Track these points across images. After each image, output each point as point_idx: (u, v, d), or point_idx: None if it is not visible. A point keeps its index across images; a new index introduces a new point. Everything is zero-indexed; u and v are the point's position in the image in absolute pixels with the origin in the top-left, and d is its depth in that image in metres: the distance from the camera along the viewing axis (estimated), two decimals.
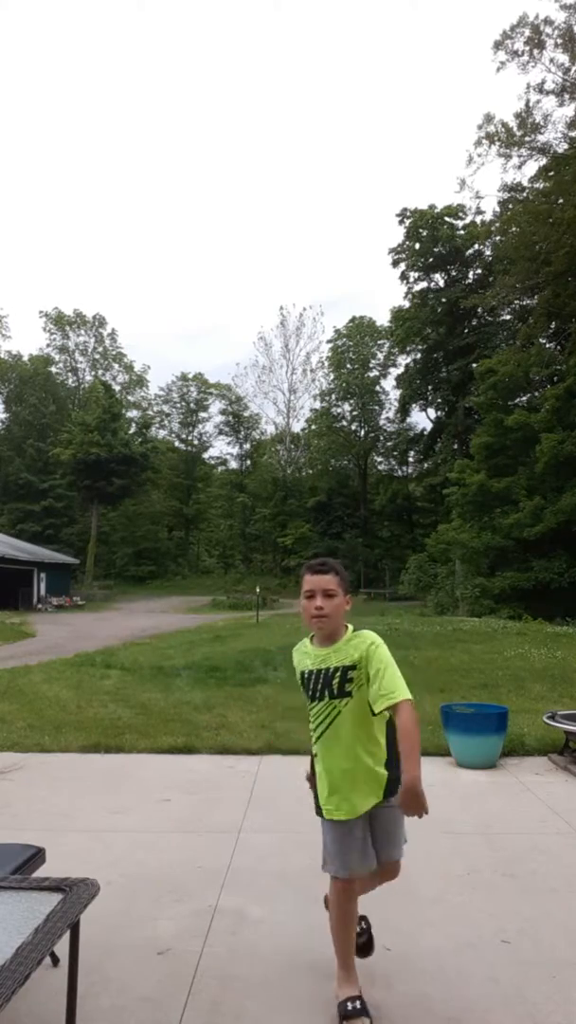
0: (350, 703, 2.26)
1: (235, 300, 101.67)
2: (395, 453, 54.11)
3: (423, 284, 42.71)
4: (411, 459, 53.08)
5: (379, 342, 52.48)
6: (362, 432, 54.29)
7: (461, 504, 29.66)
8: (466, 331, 40.23)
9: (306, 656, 2.38)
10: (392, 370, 50.89)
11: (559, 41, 26.49)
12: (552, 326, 30.22)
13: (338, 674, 2.26)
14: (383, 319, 51.06)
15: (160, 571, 52.43)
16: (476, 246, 39.82)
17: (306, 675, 2.34)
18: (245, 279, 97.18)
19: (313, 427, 55.81)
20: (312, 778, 2.46)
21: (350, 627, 2.35)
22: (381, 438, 54.58)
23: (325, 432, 53.69)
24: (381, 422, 53.97)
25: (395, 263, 43.02)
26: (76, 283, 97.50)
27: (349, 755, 2.29)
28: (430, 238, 40.79)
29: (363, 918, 2.56)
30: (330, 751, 2.32)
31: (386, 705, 2.15)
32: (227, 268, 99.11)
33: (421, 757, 2.14)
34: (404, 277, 42.85)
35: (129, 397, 60.51)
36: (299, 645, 2.45)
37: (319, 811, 2.37)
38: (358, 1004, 2.23)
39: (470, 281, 40.18)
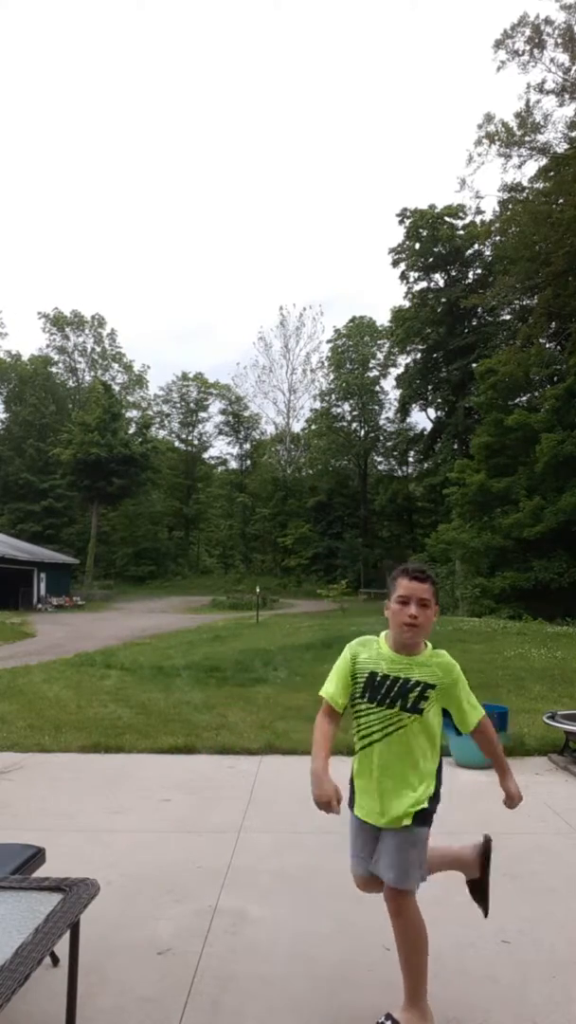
0: (417, 721, 2.24)
1: (234, 300, 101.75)
2: (395, 453, 54.12)
3: (423, 284, 42.76)
4: (411, 459, 53.10)
5: (379, 342, 52.49)
6: (362, 432, 54.30)
7: (461, 504, 29.66)
8: (466, 331, 40.22)
9: (380, 656, 2.30)
10: (392, 370, 50.96)
11: (559, 41, 26.49)
12: (552, 326, 30.21)
13: (417, 689, 2.23)
14: (383, 319, 51.16)
15: (160, 571, 52.44)
16: (476, 246, 39.82)
17: (378, 677, 2.26)
18: (244, 279, 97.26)
19: (313, 427, 55.83)
20: (323, 789, 2.22)
21: (428, 643, 2.34)
22: (381, 438, 54.59)
23: (325, 432, 53.70)
24: (381, 422, 54.02)
25: (395, 263, 43.06)
26: (75, 283, 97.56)
27: (399, 767, 2.26)
28: (430, 238, 40.80)
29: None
30: (379, 761, 2.27)
31: (474, 726, 2.32)
32: (225, 268, 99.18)
33: None
34: (404, 277, 42.90)
35: (129, 397, 60.53)
36: (365, 639, 2.37)
37: (351, 805, 2.37)
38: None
39: (470, 281, 40.18)
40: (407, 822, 2.23)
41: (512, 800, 2.42)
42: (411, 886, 2.23)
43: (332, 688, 2.34)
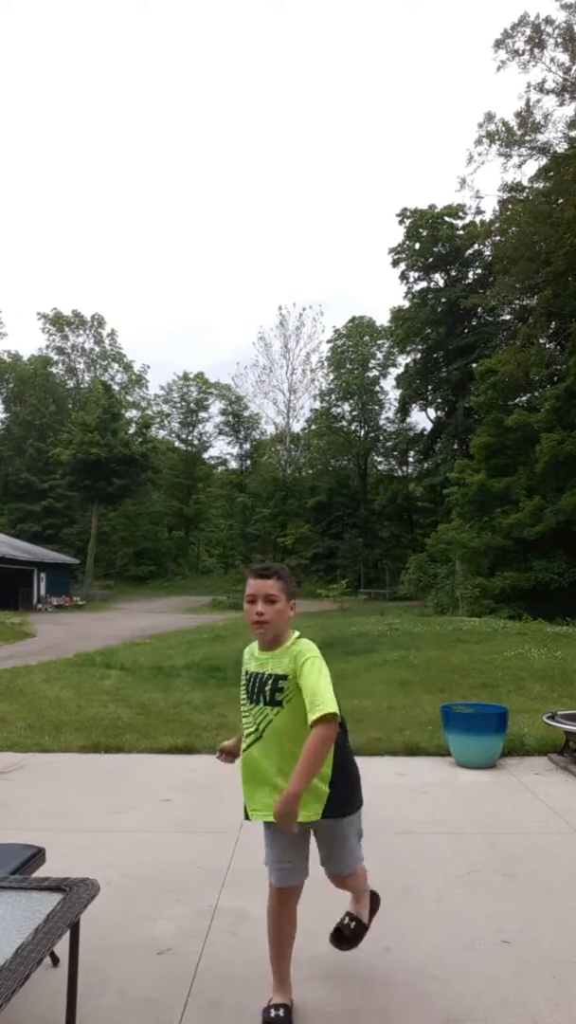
0: (281, 713, 2.23)
1: (234, 300, 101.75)
2: (395, 453, 54.11)
3: (423, 284, 42.72)
4: (411, 459, 53.08)
5: (379, 342, 52.49)
6: (362, 432, 54.28)
7: (461, 504, 29.65)
8: (466, 331, 40.21)
9: (252, 656, 2.37)
10: (392, 370, 50.92)
11: (559, 40, 26.48)
12: (552, 326, 30.19)
13: (271, 681, 2.24)
14: (382, 319, 51.14)
15: (160, 571, 52.44)
16: (476, 246, 39.79)
17: (247, 676, 2.35)
18: (243, 279, 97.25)
19: (313, 427, 55.82)
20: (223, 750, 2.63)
21: (295, 634, 2.32)
22: (381, 438, 54.58)
23: (325, 432, 53.69)
24: (381, 422, 53.99)
25: (395, 263, 43.03)
26: (74, 283, 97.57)
27: (279, 761, 2.23)
28: (430, 238, 40.77)
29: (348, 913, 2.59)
30: (259, 757, 2.28)
31: (313, 718, 2.07)
32: (225, 268, 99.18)
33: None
34: (404, 277, 42.86)
35: (128, 397, 60.55)
36: (250, 645, 2.44)
37: (246, 815, 2.36)
38: (281, 1012, 2.25)
39: (470, 281, 40.16)
40: (323, 808, 2.23)
41: (280, 804, 2.06)
42: (355, 868, 2.39)
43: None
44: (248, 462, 62.76)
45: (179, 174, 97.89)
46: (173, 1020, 2.29)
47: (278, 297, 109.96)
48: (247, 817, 2.35)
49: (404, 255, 42.33)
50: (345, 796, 2.30)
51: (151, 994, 2.43)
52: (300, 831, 2.20)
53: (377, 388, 52.88)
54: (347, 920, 2.54)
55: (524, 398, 29.91)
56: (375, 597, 40.01)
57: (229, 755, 2.60)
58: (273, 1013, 2.24)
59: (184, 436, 63.95)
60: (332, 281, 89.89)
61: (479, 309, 37.33)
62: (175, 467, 59.91)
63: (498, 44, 27.34)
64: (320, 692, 2.12)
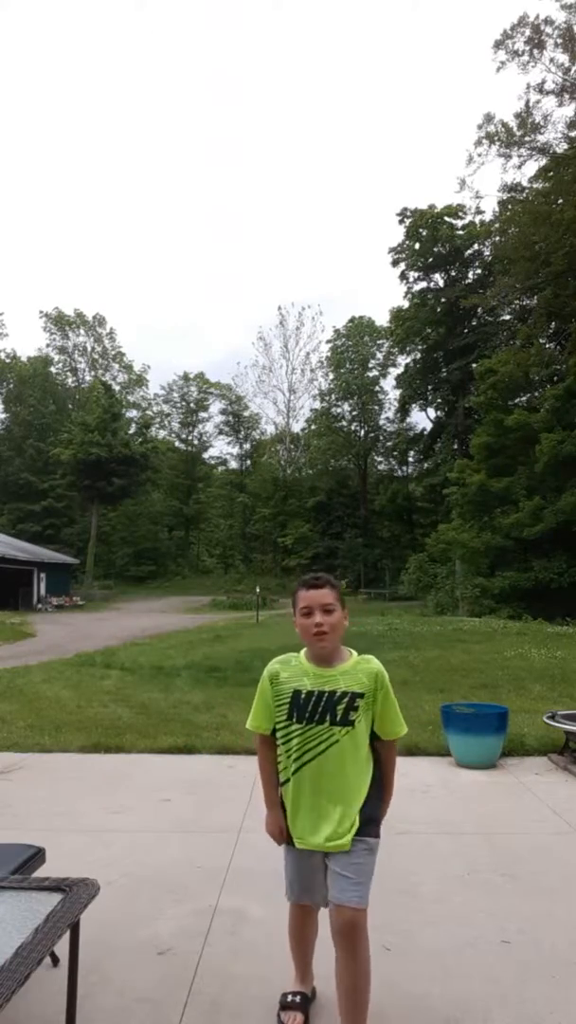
0: (350, 733, 2.13)
1: (233, 300, 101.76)
2: (395, 453, 54.15)
3: (423, 284, 42.77)
4: (411, 459, 53.14)
5: (378, 342, 52.53)
6: (362, 432, 54.33)
7: (461, 504, 29.66)
8: (466, 331, 40.22)
9: (302, 674, 2.18)
10: (392, 370, 51.00)
11: (559, 41, 26.48)
12: (552, 326, 30.20)
13: (345, 700, 2.12)
14: (382, 319, 51.18)
15: (160, 571, 52.45)
16: (476, 246, 39.84)
17: (302, 695, 2.15)
18: (243, 279, 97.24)
19: (313, 427, 55.87)
20: (282, 830, 2.26)
21: (351, 650, 2.24)
22: (381, 438, 54.62)
23: (325, 432, 53.73)
24: (381, 422, 54.07)
25: (395, 263, 43.07)
26: (73, 283, 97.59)
27: (336, 786, 2.14)
28: (430, 238, 40.80)
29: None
30: (315, 780, 2.15)
31: (394, 736, 2.22)
32: (225, 268, 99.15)
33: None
34: (404, 277, 42.92)
35: (129, 397, 60.56)
36: (285, 658, 2.25)
37: (291, 841, 2.23)
38: (297, 999, 2.29)
39: (470, 281, 40.17)
40: (355, 835, 2.14)
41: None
42: (367, 903, 2.13)
43: (257, 719, 2.28)
44: (248, 462, 62.80)
45: (179, 174, 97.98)
46: (173, 1020, 2.29)
47: (278, 297, 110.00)
48: (291, 843, 2.23)
49: (404, 255, 42.37)
50: (376, 815, 2.22)
51: (151, 994, 2.42)
52: (319, 859, 2.18)
53: (377, 388, 52.97)
54: None
55: (524, 398, 29.92)
56: (375, 597, 40.00)
57: (283, 832, 2.29)
58: (290, 998, 2.28)
59: (184, 436, 64.00)
60: (332, 281, 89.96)
61: (479, 309, 37.33)
62: (175, 467, 59.93)
63: (498, 45, 27.37)
64: (398, 712, 2.25)
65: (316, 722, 2.13)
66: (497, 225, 31.79)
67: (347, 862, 2.12)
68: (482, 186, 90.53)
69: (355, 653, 2.22)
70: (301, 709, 2.14)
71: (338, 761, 2.13)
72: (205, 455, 65.18)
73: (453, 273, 41.68)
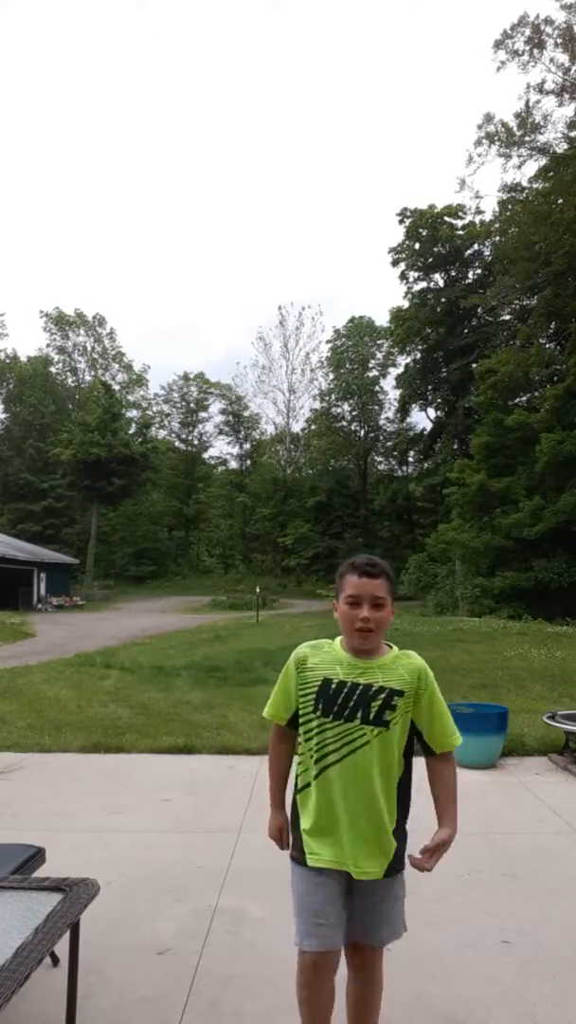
0: (384, 736, 1.85)
1: (233, 300, 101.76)
2: (395, 453, 54.14)
3: (423, 284, 42.74)
4: (411, 459, 53.13)
5: (378, 342, 52.53)
6: (362, 432, 54.33)
7: (461, 504, 29.66)
8: (466, 331, 40.22)
9: (334, 661, 1.92)
10: (392, 370, 50.98)
11: (559, 41, 26.47)
12: (552, 326, 30.20)
13: (382, 696, 1.85)
14: (382, 319, 51.18)
15: (160, 571, 52.45)
16: (476, 246, 39.83)
17: (333, 684, 1.88)
18: (243, 279, 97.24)
19: (313, 427, 55.86)
20: (283, 831, 2.07)
21: (390, 644, 2.00)
22: (381, 438, 54.63)
23: (325, 432, 53.74)
24: (381, 422, 54.08)
25: (395, 263, 43.06)
26: (73, 283, 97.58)
27: (364, 797, 1.85)
28: (430, 238, 40.79)
29: None
30: (340, 785, 1.86)
31: (449, 748, 1.96)
32: (225, 268, 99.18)
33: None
34: (404, 277, 42.89)
35: (129, 397, 60.57)
36: (316, 643, 2.01)
37: (300, 858, 1.91)
38: None
39: (470, 281, 40.16)
40: (388, 865, 1.88)
41: (431, 854, 1.91)
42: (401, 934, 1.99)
43: (275, 706, 2.04)
44: (248, 462, 62.80)
45: (178, 174, 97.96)
46: (173, 1020, 2.29)
47: (278, 297, 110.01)
48: (305, 864, 1.89)
49: (404, 255, 42.35)
50: (403, 847, 1.94)
51: (151, 994, 2.42)
52: (341, 886, 1.88)
53: (377, 388, 52.97)
54: None
55: (524, 398, 29.92)
56: None
57: (284, 836, 2.08)
58: None
59: (184, 436, 64.01)
60: (332, 281, 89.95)
61: (479, 309, 37.32)
62: (175, 467, 59.93)
63: (498, 45, 27.35)
64: (450, 718, 1.96)
65: (346, 718, 1.86)
66: (497, 225, 31.79)
67: (382, 896, 1.89)
68: (482, 186, 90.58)
69: (395, 647, 1.98)
70: (330, 701, 1.88)
71: (367, 767, 1.85)
72: (205, 455, 65.22)
73: (453, 273, 41.67)
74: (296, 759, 2.01)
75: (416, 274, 42.50)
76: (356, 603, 1.87)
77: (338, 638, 1.98)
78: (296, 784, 1.97)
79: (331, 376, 54.42)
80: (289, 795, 2.08)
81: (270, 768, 2.11)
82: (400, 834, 1.91)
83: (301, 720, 1.95)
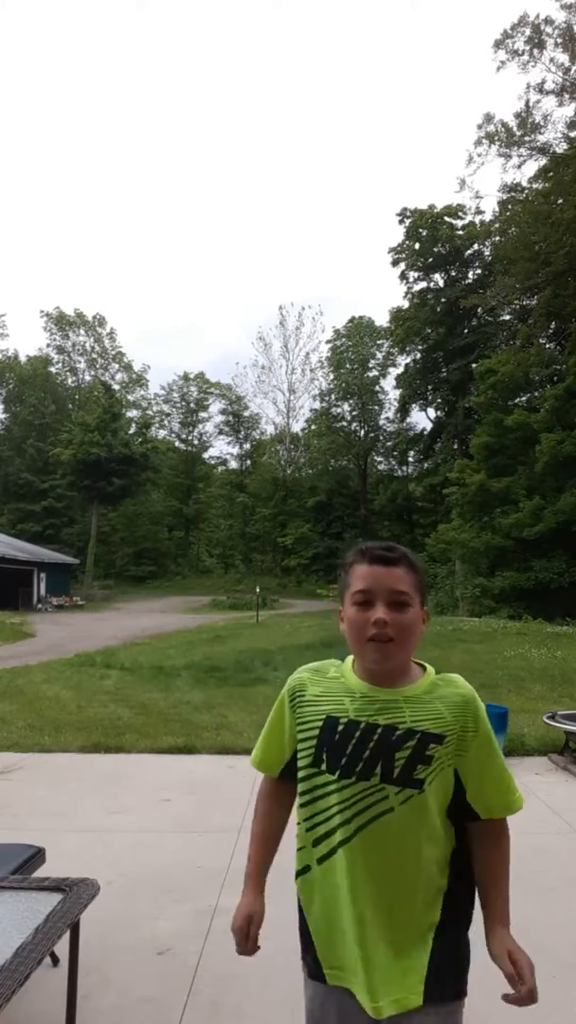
0: (415, 802, 1.27)
1: (233, 300, 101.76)
2: (395, 453, 54.16)
3: (423, 284, 42.78)
4: (411, 459, 53.15)
5: (378, 342, 52.57)
6: (362, 432, 54.36)
7: (461, 504, 29.67)
8: (466, 331, 40.24)
9: (342, 691, 1.36)
10: (392, 370, 51.04)
11: (559, 41, 26.48)
12: (552, 326, 30.21)
13: (411, 743, 1.27)
14: (382, 319, 51.24)
15: (160, 571, 52.47)
16: (476, 246, 39.86)
17: (339, 726, 1.32)
18: (243, 279, 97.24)
19: (313, 427, 55.91)
20: (251, 922, 1.56)
21: (424, 664, 1.41)
22: (381, 438, 54.66)
23: (325, 432, 53.79)
24: (381, 422, 54.13)
25: (395, 263, 43.09)
26: (72, 283, 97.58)
27: (388, 890, 1.28)
28: (430, 238, 40.82)
29: None
30: (351, 874, 1.29)
31: (504, 813, 1.35)
32: (225, 268, 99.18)
33: None
34: (404, 277, 42.92)
35: (129, 396, 60.60)
36: (319, 666, 1.46)
37: (317, 972, 1.38)
38: None
39: (470, 281, 40.19)
40: (430, 983, 1.27)
41: (519, 977, 1.29)
42: None
43: (264, 751, 1.51)
44: (248, 462, 62.83)
45: (179, 173, 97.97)
46: (173, 1020, 2.29)
47: (278, 297, 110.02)
48: (324, 981, 1.36)
49: (404, 255, 42.39)
50: (464, 957, 1.34)
51: (151, 994, 2.42)
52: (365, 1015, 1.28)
53: (377, 388, 53.00)
54: None
55: (524, 398, 29.94)
56: None
57: (251, 931, 1.56)
58: None
59: (184, 436, 64.02)
60: (332, 281, 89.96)
61: (479, 309, 37.34)
62: (175, 467, 59.94)
63: (498, 44, 27.36)
64: (508, 773, 1.37)
65: (359, 775, 1.28)
66: (497, 225, 31.79)
67: None
68: (482, 186, 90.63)
69: (430, 669, 1.40)
70: (336, 750, 1.31)
71: (393, 847, 1.27)
72: (205, 455, 65.23)
73: (453, 273, 41.69)
74: (296, 821, 1.43)
75: (416, 274, 42.53)
76: (367, 601, 1.30)
77: (349, 658, 1.43)
78: (296, 862, 1.41)
79: (331, 376, 54.49)
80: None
81: (252, 828, 1.54)
82: (452, 942, 1.31)
83: (299, 775, 1.40)
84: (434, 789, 1.29)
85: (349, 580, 1.36)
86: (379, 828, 1.28)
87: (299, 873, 1.42)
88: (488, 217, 36.00)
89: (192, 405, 63.58)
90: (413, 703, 1.32)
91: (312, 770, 1.36)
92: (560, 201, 26.50)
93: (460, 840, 1.36)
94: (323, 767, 1.33)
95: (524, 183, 30.03)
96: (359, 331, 53.10)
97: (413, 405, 46.77)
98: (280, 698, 1.48)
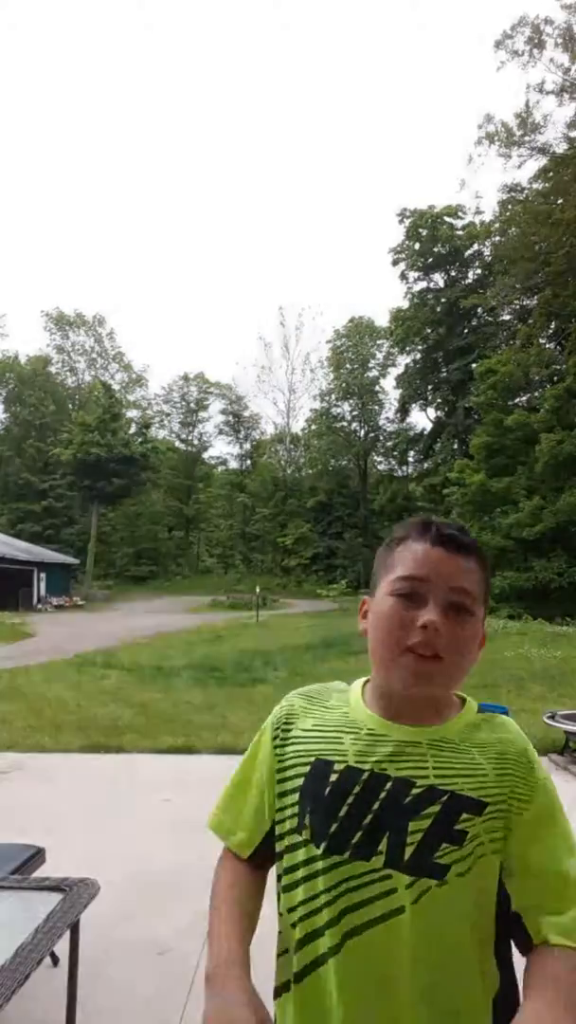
0: (433, 896, 0.85)
1: (232, 299, 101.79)
2: (395, 453, 54.18)
3: (423, 284, 42.80)
4: (411, 459, 53.15)
5: (378, 342, 52.61)
6: (362, 432, 54.41)
7: (461, 504, 29.70)
8: (466, 331, 40.27)
9: (346, 726, 0.97)
10: (392, 370, 51.06)
11: (559, 41, 26.50)
12: (552, 326, 30.22)
13: (435, 809, 0.87)
14: (382, 319, 51.27)
15: (160, 571, 52.50)
16: (476, 246, 39.88)
17: (331, 775, 0.93)
18: (243, 278, 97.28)
19: (313, 427, 55.96)
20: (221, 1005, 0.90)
21: (464, 698, 1.01)
22: (381, 438, 54.70)
23: (325, 432, 53.84)
24: (381, 422, 54.15)
25: (395, 263, 43.13)
26: (71, 283, 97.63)
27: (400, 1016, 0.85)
28: (430, 238, 40.85)
29: None
30: (349, 1005, 0.87)
31: (571, 942, 0.83)
32: (224, 267, 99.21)
33: None
34: (404, 277, 42.95)
35: (129, 397, 60.63)
36: (317, 690, 1.07)
37: None
38: None
39: (470, 281, 40.22)
40: None
41: None
42: None
43: (226, 812, 1.11)
44: (248, 462, 62.87)
45: (178, 173, 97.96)
46: (173, 1020, 2.29)
47: (278, 297, 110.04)
48: None
49: (404, 255, 42.41)
50: None
51: (151, 994, 2.42)
52: None
53: (377, 388, 53.04)
54: None
55: (524, 398, 29.97)
56: None
57: None
58: None
59: (184, 436, 64.05)
60: (332, 281, 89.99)
61: (479, 309, 37.37)
62: (175, 467, 59.98)
63: (498, 44, 27.38)
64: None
65: (354, 852, 0.88)
66: (497, 225, 31.81)
67: None
68: (482, 186, 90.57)
69: (471, 703, 1.00)
70: (324, 811, 0.91)
71: (407, 960, 0.84)
72: (205, 455, 65.27)
73: (453, 273, 41.71)
74: (281, 914, 0.99)
75: (416, 274, 42.55)
76: (416, 593, 0.90)
77: (358, 682, 1.04)
78: (276, 975, 1.00)
79: (331, 376, 54.53)
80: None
81: (212, 924, 1.01)
82: None
83: (277, 844, 0.99)
84: (466, 885, 0.84)
85: (393, 560, 0.94)
86: (381, 937, 0.84)
87: (278, 991, 0.98)
88: (488, 217, 36.02)
89: (192, 405, 63.64)
90: (441, 749, 0.91)
91: (294, 838, 0.93)
92: (560, 201, 26.51)
93: (504, 976, 0.89)
94: (303, 832, 0.92)
95: (524, 183, 30.08)
96: (359, 331, 53.13)
97: (413, 405, 46.81)
98: (259, 734, 1.05)
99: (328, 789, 0.91)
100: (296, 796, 0.95)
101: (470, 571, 0.93)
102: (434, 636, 0.87)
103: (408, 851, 0.86)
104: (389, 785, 0.89)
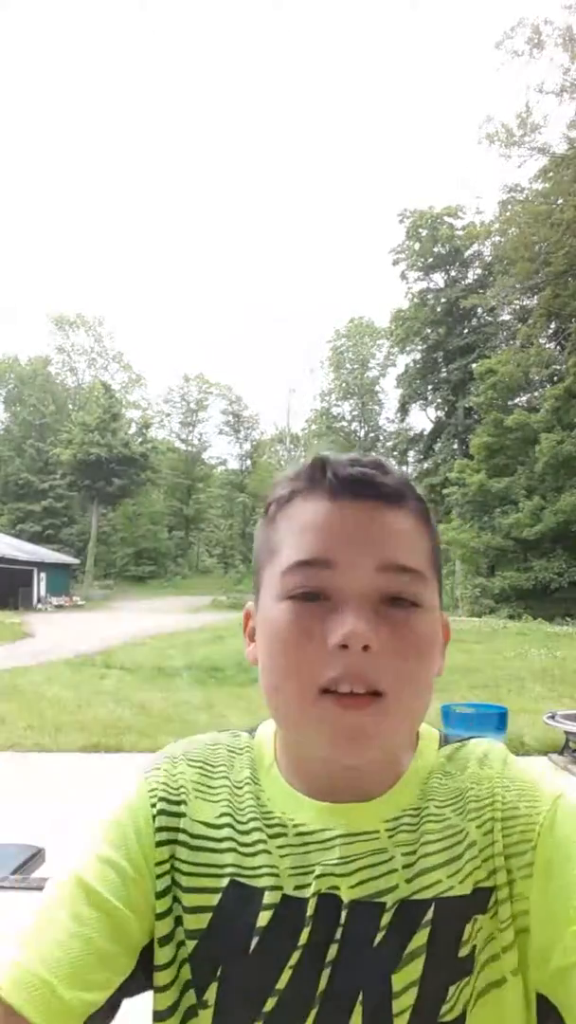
0: None
1: (232, 299, 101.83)
2: (395, 453, 54.15)
3: (423, 284, 42.82)
4: (411, 459, 53.14)
5: (378, 342, 52.64)
6: (362, 432, 54.42)
7: (461, 504, 29.72)
8: (466, 331, 40.27)
9: (256, 818, 0.60)
10: (392, 370, 51.06)
11: (559, 41, 26.51)
12: (552, 326, 30.24)
13: (422, 938, 0.53)
14: (382, 319, 51.29)
15: (160, 571, 52.51)
16: (476, 246, 39.88)
17: (260, 910, 0.55)
18: (242, 278, 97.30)
19: (313, 427, 55.96)
20: None
21: (420, 730, 0.65)
22: (381, 438, 54.72)
23: (325, 432, 53.84)
24: (381, 422, 54.19)
25: (395, 263, 43.14)
26: (71, 283, 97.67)
27: None
28: (430, 238, 40.85)
29: None
30: None
31: None
32: (224, 267, 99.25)
33: None
34: (404, 277, 42.96)
35: (128, 397, 60.68)
36: (210, 750, 0.69)
37: None
38: None
39: (470, 281, 40.22)
40: None
41: None
42: None
43: (40, 959, 0.53)
44: (248, 462, 62.88)
45: (178, 173, 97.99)
46: None
47: (278, 297, 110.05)
48: None
49: (404, 255, 42.42)
50: None
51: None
52: None
53: (377, 388, 53.07)
54: None
55: (524, 398, 29.99)
56: None
57: None
58: None
59: (184, 436, 64.07)
60: (332, 281, 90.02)
61: (479, 309, 37.38)
62: (175, 467, 59.99)
63: (498, 45, 27.40)
64: None
65: (294, 1014, 0.53)
66: (497, 225, 31.83)
67: None
68: (482, 186, 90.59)
69: (427, 733, 0.66)
70: (249, 972, 0.55)
71: None
72: (205, 455, 65.29)
73: (453, 273, 41.71)
74: None
75: (416, 274, 42.55)
76: (322, 591, 0.55)
77: (265, 732, 0.72)
78: None
79: (331, 376, 54.56)
80: None
81: None
82: None
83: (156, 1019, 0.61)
84: (495, 1009, 0.54)
85: (278, 538, 0.59)
86: None
87: None
88: (488, 217, 36.02)
89: (192, 405, 63.66)
90: (406, 832, 0.58)
91: (188, 1017, 0.59)
92: (560, 201, 26.52)
93: None
94: (214, 1007, 0.57)
95: (524, 183, 30.09)
96: (359, 331, 53.16)
97: (413, 405, 46.81)
98: (110, 830, 0.68)
99: (257, 938, 0.55)
100: (193, 944, 0.57)
101: (403, 532, 0.56)
102: (362, 660, 0.51)
103: (383, 1010, 0.52)
104: (344, 917, 0.54)
